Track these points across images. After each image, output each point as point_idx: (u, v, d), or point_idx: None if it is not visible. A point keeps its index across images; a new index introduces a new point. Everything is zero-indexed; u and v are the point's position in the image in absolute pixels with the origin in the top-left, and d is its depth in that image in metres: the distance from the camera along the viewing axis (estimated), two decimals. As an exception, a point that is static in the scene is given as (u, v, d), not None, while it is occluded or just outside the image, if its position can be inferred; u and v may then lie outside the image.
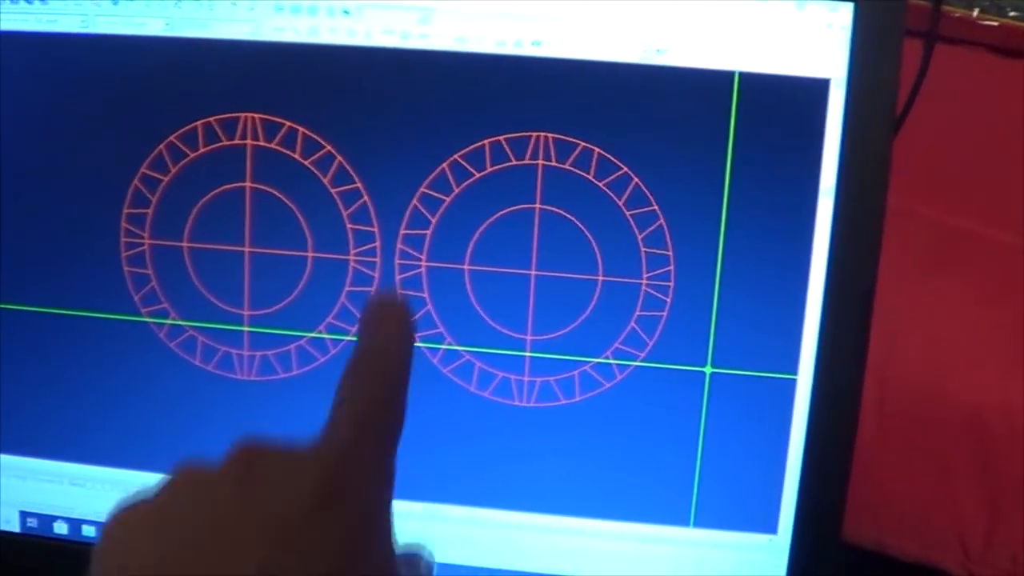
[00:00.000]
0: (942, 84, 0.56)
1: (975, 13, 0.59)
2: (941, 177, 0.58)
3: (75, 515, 0.52)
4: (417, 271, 0.48)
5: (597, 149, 0.46)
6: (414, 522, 0.48)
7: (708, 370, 0.47)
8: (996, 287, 0.57)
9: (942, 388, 0.55)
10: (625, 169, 0.46)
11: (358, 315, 0.47)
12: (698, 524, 0.49)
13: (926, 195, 0.58)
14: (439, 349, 0.48)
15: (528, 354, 0.48)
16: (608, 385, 0.48)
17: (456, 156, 0.47)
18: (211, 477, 0.28)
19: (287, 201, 0.48)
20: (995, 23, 0.58)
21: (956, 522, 0.55)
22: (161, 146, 0.48)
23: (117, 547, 0.27)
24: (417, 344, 0.48)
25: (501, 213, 0.47)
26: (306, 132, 0.47)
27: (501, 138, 0.47)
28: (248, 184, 0.48)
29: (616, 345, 0.47)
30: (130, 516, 0.28)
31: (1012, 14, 0.58)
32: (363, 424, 0.29)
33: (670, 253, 0.47)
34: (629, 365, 0.48)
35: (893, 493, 0.56)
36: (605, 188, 0.46)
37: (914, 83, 0.55)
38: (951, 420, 0.55)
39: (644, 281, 0.47)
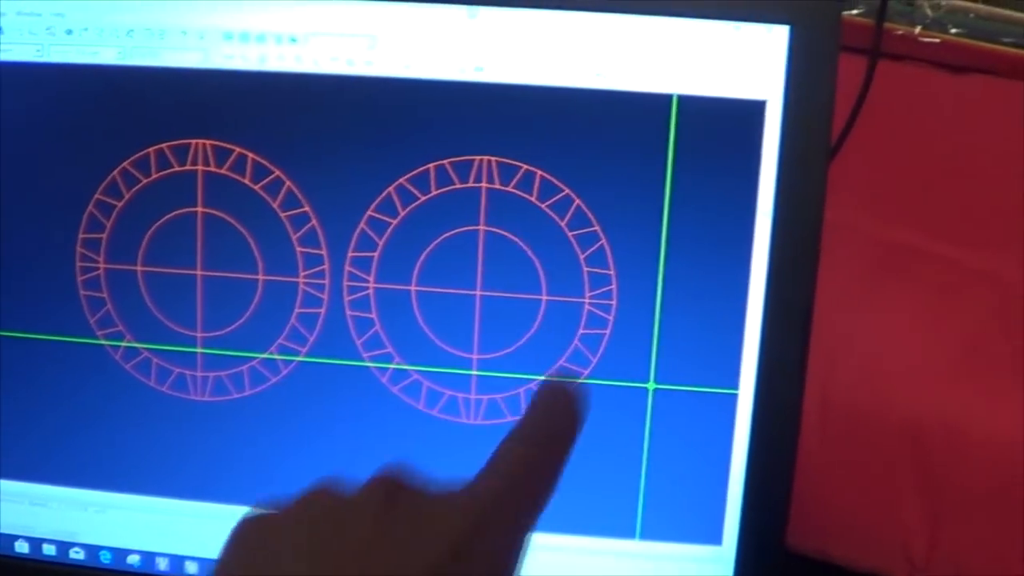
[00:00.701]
0: (885, 100, 0.57)
1: (917, 30, 0.59)
2: (883, 192, 0.59)
3: (36, 534, 0.53)
4: (365, 292, 0.49)
5: (539, 171, 0.47)
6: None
7: (651, 386, 0.48)
8: (937, 300, 0.57)
9: (883, 400, 0.56)
10: (567, 191, 0.47)
11: (306, 335, 0.48)
12: (644, 536, 0.50)
13: (868, 210, 0.59)
14: (388, 368, 0.49)
15: (475, 372, 0.49)
16: (553, 402, 0.49)
17: (402, 180, 0.48)
18: (351, 502, 0.28)
19: (238, 225, 0.49)
20: (937, 40, 0.59)
21: (900, 531, 0.56)
22: (115, 172, 0.49)
23: (249, 556, 0.27)
24: (366, 364, 0.49)
25: (446, 235, 0.48)
26: (255, 157, 0.48)
27: (445, 162, 0.48)
28: (200, 209, 0.49)
29: (560, 363, 0.48)
30: (264, 528, 0.28)
31: (954, 31, 0.59)
32: (512, 487, 0.30)
33: (612, 272, 0.48)
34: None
35: (837, 504, 0.57)
36: (548, 210, 0.47)
37: (857, 99, 0.56)
38: (892, 431, 0.56)
39: (587, 300, 0.48)
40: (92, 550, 0.53)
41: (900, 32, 0.59)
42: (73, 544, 0.53)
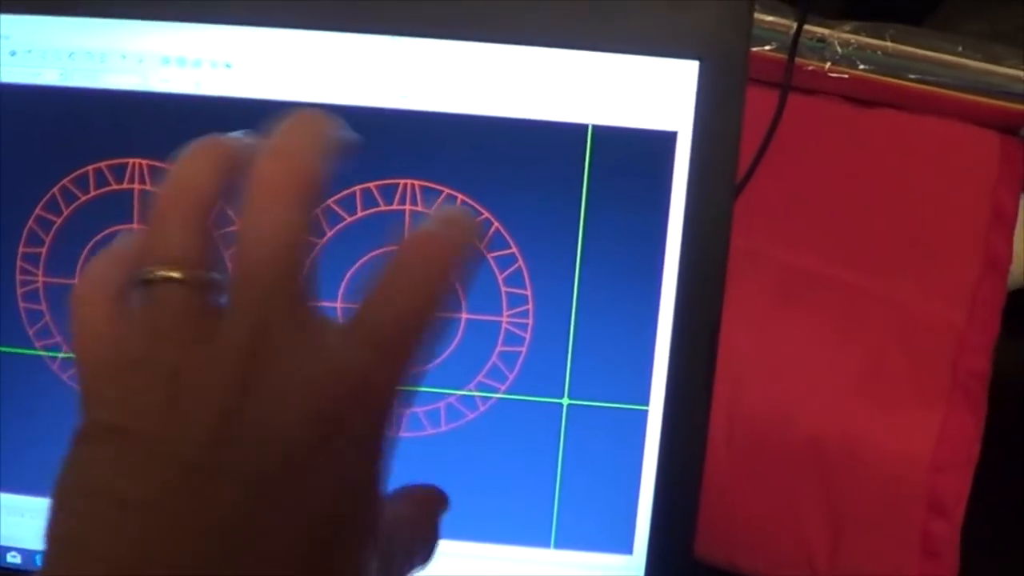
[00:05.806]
0: (795, 132, 0.59)
1: (827, 65, 0.62)
2: (791, 220, 0.61)
3: (-27, 538, 0.54)
4: (293, 308, 0.51)
5: (460, 195, 0.50)
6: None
7: (565, 402, 0.51)
8: (839, 324, 0.60)
9: (787, 418, 0.59)
10: (487, 214, 0.50)
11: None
12: (559, 545, 0.52)
13: (776, 237, 0.61)
14: (314, 381, 0.51)
15: (397, 386, 0.51)
16: (472, 416, 0.51)
17: (329, 202, 0.50)
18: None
19: (172, 242, 0.51)
20: (845, 75, 0.62)
21: (803, 544, 0.59)
22: (55, 189, 0.51)
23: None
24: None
25: (372, 254, 0.50)
26: (190, 177, 0.50)
27: (371, 185, 0.50)
28: (136, 225, 0.51)
29: (479, 378, 0.51)
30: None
31: (862, 67, 0.62)
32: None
33: (528, 293, 0.50)
34: (491, 397, 0.51)
35: (744, 516, 0.59)
36: (468, 232, 0.50)
37: (767, 130, 0.58)
38: (795, 448, 0.58)
39: (505, 318, 0.50)
40: (28, 555, 0.54)
41: (811, 67, 0.62)
42: (10, 548, 0.54)
